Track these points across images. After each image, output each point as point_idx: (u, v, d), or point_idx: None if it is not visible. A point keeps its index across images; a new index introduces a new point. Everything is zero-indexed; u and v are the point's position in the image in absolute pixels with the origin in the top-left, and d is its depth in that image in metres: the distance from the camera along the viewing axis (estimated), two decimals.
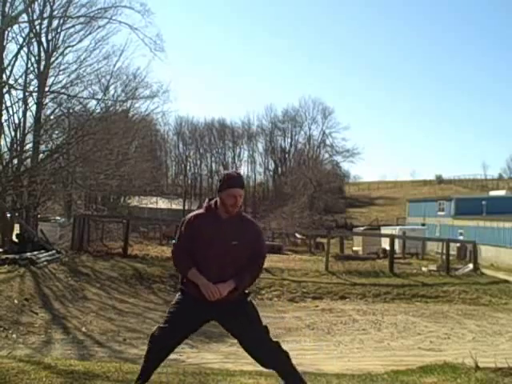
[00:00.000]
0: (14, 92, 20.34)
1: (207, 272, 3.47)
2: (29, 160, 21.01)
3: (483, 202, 38.12)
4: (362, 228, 46.40)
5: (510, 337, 11.99)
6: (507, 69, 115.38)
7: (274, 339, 3.68)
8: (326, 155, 74.73)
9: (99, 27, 21.98)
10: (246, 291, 3.70)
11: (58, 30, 21.35)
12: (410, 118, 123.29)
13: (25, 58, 20.83)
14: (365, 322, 13.16)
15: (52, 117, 22.26)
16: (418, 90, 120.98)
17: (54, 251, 16.84)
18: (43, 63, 20.74)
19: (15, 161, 20.52)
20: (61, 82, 21.66)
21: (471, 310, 15.54)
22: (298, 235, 38.35)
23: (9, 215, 19.74)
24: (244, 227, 3.60)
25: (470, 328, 12.90)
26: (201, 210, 3.69)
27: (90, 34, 22.09)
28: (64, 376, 4.24)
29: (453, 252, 26.03)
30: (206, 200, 3.72)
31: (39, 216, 24.01)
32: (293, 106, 79.13)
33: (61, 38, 21.50)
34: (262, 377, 4.70)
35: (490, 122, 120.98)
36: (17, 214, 19.71)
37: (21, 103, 20.60)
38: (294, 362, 3.70)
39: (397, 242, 26.09)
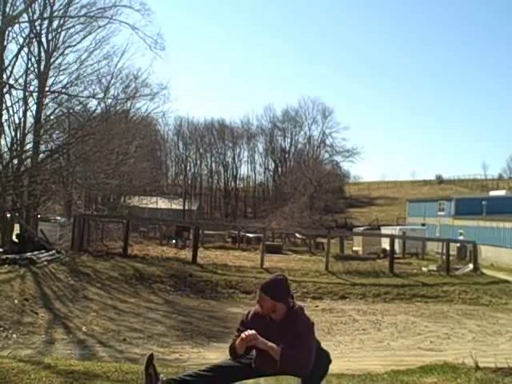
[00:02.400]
0: (14, 92, 20.35)
1: None
2: (29, 160, 21.00)
3: (483, 202, 38.10)
4: (362, 228, 46.40)
5: (510, 337, 11.99)
6: (507, 69, 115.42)
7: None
8: (326, 155, 74.78)
9: (99, 27, 22.00)
10: None
11: (59, 30, 21.34)
12: (410, 118, 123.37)
13: (25, 58, 20.85)
14: (365, 321, 13.16)
15: (52, 117, 22.25)
16: (418, 90, 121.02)
17: (54, 251, 16.84)
18: (43, 63, 20.73)
19: (15, 161, 20.51)
20: (61, 82, 21.69)
21: (471, 309, 15.54)
22: (298, 235, 38.34)
23: (9, 215, 19.74)
24: (289, 325, 3.60)
25: (470, 328, 12.90)
26: (254, 307, 3.83)
27: (90, 34, 22.11)
28: (64, 376, 4.25)
29: (453, 252, 26.02)
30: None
31: (39, 216, 24.00)
32: (292, 106, 79.25)
33: (61, 38, 21.51)
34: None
35: (490, 121, 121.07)
36: (17, 214, 19.71)
37: (21, 103, 20.60)
38: None
39: (397, 242, 26.09)
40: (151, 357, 3.69)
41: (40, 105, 20.82)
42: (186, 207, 63.46)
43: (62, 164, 22.51)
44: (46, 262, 15.11)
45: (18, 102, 20.45)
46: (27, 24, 20.32)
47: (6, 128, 20.39)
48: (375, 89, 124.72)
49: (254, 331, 3.49)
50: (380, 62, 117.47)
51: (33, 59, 20.91)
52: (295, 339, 3.52)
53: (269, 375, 3.75)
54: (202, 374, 3.66)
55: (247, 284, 16.22)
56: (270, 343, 3.49)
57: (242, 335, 3.50)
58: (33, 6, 19.75)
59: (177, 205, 61.69)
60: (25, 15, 19.91)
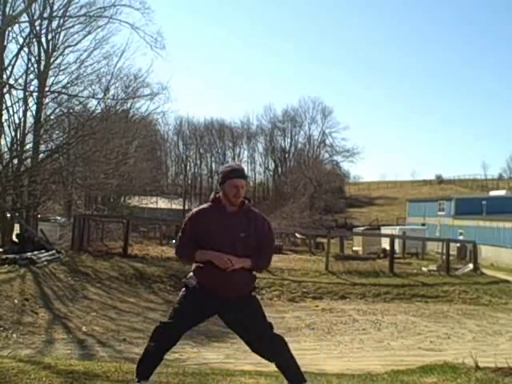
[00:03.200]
0: (14, 92, 20.37)
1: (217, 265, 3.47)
2: (29, 160, 21.01)
3: (483, 202, 38.12)
4: (362, 228, 46.41)
5: (510, 337, 11.99)
6: (507, 69, 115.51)
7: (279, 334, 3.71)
8: (326, 155, 74.85)
9: (99, 27, 22.03)
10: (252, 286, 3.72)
11: (58, 30, 21.37)
12: (410, 118, 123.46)
13: (25, 58, 20.88)
14: (365, 321, 13.16)
15: (52, 117, 22.26)
16: (418, 89, 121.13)
17: (54, 251, 16.84)
18: (43, 63, 20.75)
19: (15, 161, 20.52)
20: (61, 81, 21.72)
21: (471, 309, 15.53)
22: (298, 235, 38.34)
23: (9, 215, 19.75)
24: (251, 219, 3.59)
25: (470, 328, 12.90)
26: (205, 205, 3.68)
27: (89, 33, 22.13)
28: (64, 376, 4.24)
29: (453, 252, 26.04)
30: (212, 194, 3.71)
31: (39, 216, 24.01)
32: (292, 105, 79.32)
33: (61, 38, 21.55)
34: (262, 377, 4.71)
35: (490, 121, 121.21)
36: (17, 214, 19.71)
37: (21, 103, 20.62)
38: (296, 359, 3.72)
39: (397, 241, 26.10)
40: None
41: (40, 105, 20.83)
42: (186, 207, 63.43)
43: (61, 164, 22.51)
44: (45, 262, 15.11)
45: (17, 101, 20.50)
46: (27, 24, 20.36)
47: (6, 128, 20.42)
48: (375, 89, 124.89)
49: (228, 256, 3.38)
50: (380, 61, 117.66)
51: (33, 59, 20.94)
52: (262, 236, 3.57)
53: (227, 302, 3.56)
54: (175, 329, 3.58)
55: None
56: (242, 260, 3.43)
57: (221, 258, 3.37)
58: (32, 6, 19.77)
59: (177, 205, 61.71)
60: (25, 15, 19.95)
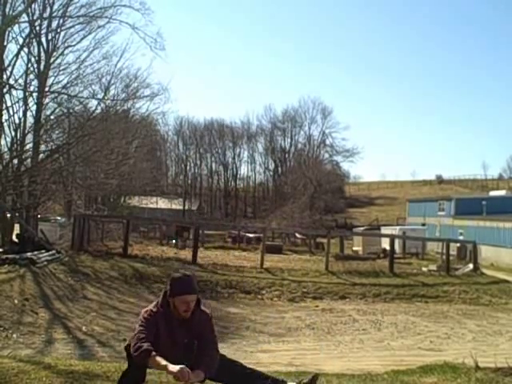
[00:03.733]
0: (14, 92, 20.34)
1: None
2: (29, 160, 21.00)
3: (483, 202, 38.11)
4: (362, 228, 46.40)
5: (510, 337, 11.99)
6: (507, 68, 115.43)
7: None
8: (326, 155, 74.85)
9: (99, 27, 21.98)
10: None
11: (58, 30, 21.34)
12: (410, 118, 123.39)
13: (25, 58, 20.84)
14: (365, 321, 13.16)
15: (52, 117, 22.25)
16: (418, 89, 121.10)
17: (54, 251, 16.85)
18: (43, 63, 20.73)
19: (15, 161, 20.51)
20: (61, 82, 21.67)
21: (471, 309, 15.54)
22: (298, 235, 38.34)
23: (9, 215, 19.74)
24: (195, 323, 3.66)
25: (470, 328, 12.90)
26: (154, 308, 3.68)
27: (89, 34, 22.08)
28: (64, 376, 4.25)
29: (453, 252, 26.02)
30: (161, 296, 3.71)
31: (39, 216, 24.01)
32: (292, 106, 79.28)
33: (61, 38, 21.51)
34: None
35: (490, 121, 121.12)
36: (17, 214, 19.71)
37: (21, 103, 20.59)
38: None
39: (397, 241, 26.10)
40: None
41: (40, 105, 20.82)
42: (186, 207, 63.49)
43: (61, 164, 22.50)
44: (45, 262, 15.11)
45: (17, 102, 20.46)
46: (27, 24, 20.34)
47: (6, 128, 20.40)
48: (375, 89, 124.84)
49: (183, 368, 3.34)
50: (380, 61, 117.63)
51: (32, 59, 20.91)
52: (206, 335, 3.65)
53: None
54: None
55: (247, 284, 16.23)
56: (196, 373, 3.42)
57: (175, 370, 3.31)
58: (32, 6, 19.75)
59: (177, 205, 61.72)
60: (24, 15, 19.91)
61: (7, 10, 18.89)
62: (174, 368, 3.31)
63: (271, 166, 78.61)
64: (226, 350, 9.47)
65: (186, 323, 3.63)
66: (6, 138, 20.71)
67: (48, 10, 20.75)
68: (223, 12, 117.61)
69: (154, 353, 3.39)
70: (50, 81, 21.40)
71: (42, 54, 20.84)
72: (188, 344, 3.60)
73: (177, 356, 3.47)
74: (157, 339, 3.53)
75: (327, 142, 74.66)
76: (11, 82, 19.82)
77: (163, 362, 3.35)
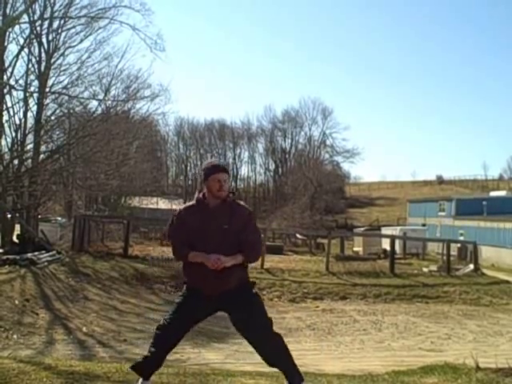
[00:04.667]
0: (14, 93, 20.37)
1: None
2: (29, 160, 21.01)
3: (484, 203, 38.09)
4: (362, 228, 46.37)
5: (511, 337, 11.98)
6: (507, 69, 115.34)
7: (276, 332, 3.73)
8: (327, 156, 74.81)
9: (100, 28, 22.01)
10: (251, 282, 3.74)
11: (59, 31, 21.35)
12: (411, 118, 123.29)
13: (25, 58, 20.85)
14: (365, 322, 13.16)
15: (53, 117, 22.25)
16: (418, 89, 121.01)
17: (54, 252, 16.85)
18: (44, 64, 20.74)
19: (16, 161, 20.53)
20: (61, 82, 21.68)
21: (472, 310, 15.53)
22: (298, 236, 38.33)
23: (9, 216, 19.75)
24: (233, 211, 3.63)
25: (470, 328, 12.89)
26: (190, 202, 3.76)
27: (90, 34, 22.10)
28: (64, 377, 4.24)
29: (453, 252, 26.01)
30: (196, 193, 3.78)
31: (40, 216, 24.01)
32: (293, 106, 79.32)
33: (61, 39, 21.52)
34: (263, 377, 4.71)
35: (490, 122, 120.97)
36: (17, 215, 19.72)
37: (21, 104, 20.61)
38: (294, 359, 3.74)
39: (397, 242, 26.08)
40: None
41: (40, 105, 20.82)
42: None
43: (62, 164, 22.51)
44: (46, 263, 15.11)
45: (18, 102, 20.50)
46: (28, 25, 20.36)
47: (7, 129, 20.43)
48: (375, 89, 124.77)
49: (218, 257, 3.41)
50: (380, 62, 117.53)
51: (33, 60, 20.92)
52: (246, 229, 3.59)
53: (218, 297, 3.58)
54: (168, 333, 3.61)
55: None
56: (233, 257, 3.47)
57: (211, 260, 3.41)
58: (33, 6, 19.76)
59: (177, 205, 61.46)
60: (25, 16, 19.92)
61: (8, 10, 18.92)
62: (207, 260, 3.43)
63: (271, 167, 78.65)
64: (226, 350, 9.50)
65: (222, 209, 3.59)
66: (6, 139, 20.75)
67: (49, 10, 20.78)
68: (223, 13, 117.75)
69: (190, 254, 3.53)
70: (50, 81, 21.44)
71: (43, 54, 20.85)
72: (226, 230, 3.54)
73: (215, 243, 3.49)
74: (193, 233, 3.56)
75: (327, 142, 74.69)
76: (12, 82, 19.85)
77: (199, 258, 3.48)
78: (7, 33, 19.34)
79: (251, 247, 3.61)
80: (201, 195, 3.69)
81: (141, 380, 3.67)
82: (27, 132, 20.99)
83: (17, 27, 20.07)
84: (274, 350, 3.65)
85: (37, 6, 20.29)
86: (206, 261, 3.45)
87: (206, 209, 3.61)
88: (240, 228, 3.58)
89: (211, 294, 3.54)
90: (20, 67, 21.80)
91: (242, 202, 3.79)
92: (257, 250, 3.70)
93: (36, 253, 15.73)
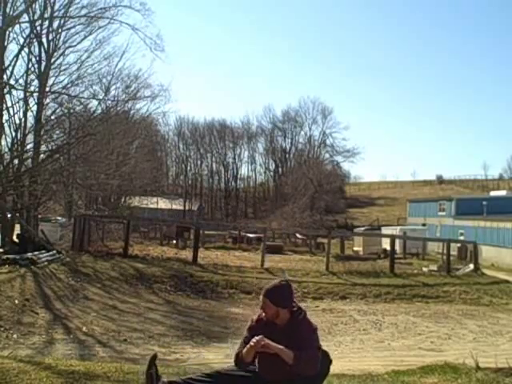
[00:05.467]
0: (14, 92, 20.32)
1: None
2: (29, 160, 21.00)
3: (484, 203, 38.08)
4: (362, 228, 46.38)
5: (511, 337, 11.98)
6: (507, 69, 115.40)
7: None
8: (327, 155, 74.87)
9: (100, 28, 22.00)
10: None
11: (59, 31, 21.34)
12: (411, 118, 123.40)
13: (25, 58, 20.82)
14: (365, 322, 13.15)
15: (53, 117, 22.24)
16: (418, 90, 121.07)
17: (54, 251, 16.85)
18: (44, 63, 20.72)
19: (16, 161, 20.50)
20: (62, 82, 21.69)
21: (472, 310, 15.52)
22: (298, 235, 38.34)
23: (9, 215, 19.73)
24: (294, 330, 3.66)
25: (470, 328, 12.89)
26: (256, 316, 3.84)
27: (90, 34, 22.10)
28: (65, 376, 4.25)
29: (453, 252, 26.02)
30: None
31: (40, 216, 24.00)
32: (293, 106, 79.35)
33: (61, 39, 21.51)
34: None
35: (490, 122, 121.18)
36: (17, 215, 19.70)
37: (22, 103, 20.58)
38: None
39: (397, 242, 26.08)
40: (154, 357, 3.70)
41: (40, 105, 20.81)
42: (187, 207, 63.52)
43: (62, 164, 22.50)
44: (46, 262, 15.11)
45: (18, 102, 20.45)
46: (28, 24, 20.33)
47: (7, 128, 20.40)
48: (375, 89, 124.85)
49: (262, 336, 3.50)
50: (380, 62, 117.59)
51: (33, 59, 20.90)
52: (302, 342, 3.58)
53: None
54: (204, 380, 3.65)
55: (248, 284, 16.22)
56: (281, 346, 3.49)
57: (251, 342, 3.50)
58: (33, 6, 19.75)
59: (177, 205, 61.73)
60: (25, 15, 19.91)
61: (8, 9, 18.89)
62: (251, 345, 3.51)
63: (272, 167, 78.75)
64: (226, 350, 9.48)
65: (284, 330, 3.65)
66: (6, 139, 20.72)
67: (49, 10, 20.75)
68: (223, 12, 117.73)
69: (240, 354, 3.63)
70: (50, 81, 21.43)
71: (43, 54, 20.83)
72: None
73: (273, 361, 3.52)
74: None
75: (327, 142, 74.78)
76: (12, 82, 19.82)
77: (247, 349, 3.55)
78: (7, 32, 19.31)
79: (305, 355, 3.53)
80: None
81: None
82: (27, 132, 20.98)
83: (17, 27, 20.08)
84: None
85: (37, 6, 20.30)
86: (254, 342, 3.51)
87: (271, 326, 3.67)
88: (300, 343, 3.58)
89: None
90: (20, 67, 21.85)
91: (303, 318, 3.73)
92: (309, 359, 3.55)
93: (36, 252, 15.72)
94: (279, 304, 3.66)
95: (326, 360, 3.75)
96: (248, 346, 3.54)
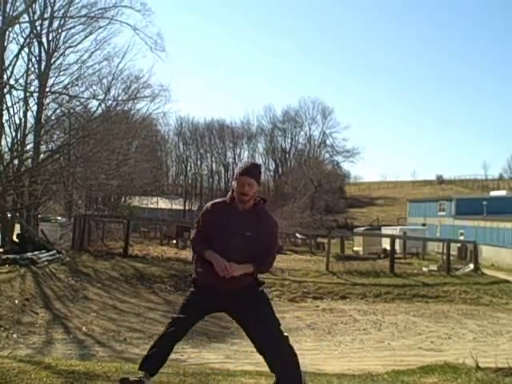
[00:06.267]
0: (14, 92, 20.34)
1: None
2: (29, 160, 21.00)
3: (484, 203, 38.11)
4: (362, 228, 46.41)
5: (511, 337, 11.98)
6: (507, 69, 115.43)
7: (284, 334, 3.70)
8: (327, 155, 74.94)
9: (100, 28, 22.01)
10: (260, 281, 3.74)
11: (59, 31, 21.34)
12: (411, 118, 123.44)
13: (25, 58, 20.83)
14: (365, 321, 13.15)
15: (53, 117, 22.25)
16: (418, 89, 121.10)
17: (54, 251, 16.85)
18: (44, 64, 20.73)
19: (16, 161, 20.51)
20: (62, 82, 21.69)
21: (472, 309, 15.52)
22: (298, 235, 38.35)
23: (9, 215, 19.74)
24: (261, 219, 3.62)
25: (470, 328, 12.89)
26: (220, 199, 3.76)
27: (90, 34, 22.11)
28: (65, 376, 4.25)
29: (453, 252, 26.03)
30: (230, 192, 3.75)
31: (40, 216, 24.02)
32: (293, 106, 79.42)
33: (62, 39, 21.52)
34: (263, 377, 4.70)
35: (490, 121, 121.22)
36: (17, 214, 19.72)
37: (22, 103, 20.59)
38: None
39: (397, 242, 26.07)
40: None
41: (40, 105, 20.81)
42: (187, 207, 63.51)
43: (62, 164, 22.51)
44: (46, 262, 15.11)
45: (18, 102, 20.47)
46: (28, 24, 20.34)
47: (7, 128, 20.42)
48: (375, 89, 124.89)
49: (226, 263, 3.42)
50: (380, 61, 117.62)
51: (33, 59, 20.91)
52: (268, 236, 3.61)
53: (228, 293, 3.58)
54: (170, 334, 3.61)
55: None
56: (243, 266, 3.47)
57: (220, 265, 3.42)
58: (33, 6, 19.75)
59: (177, 205, 61.75)
60: (25, 15, 19.92)
61: (8, 9, 18.90)
62: (217, 265, 3.43)
63: (272, 167, 78.77)
64: (226, 350, 9.49)
65: (250, 215, 3.59)
66: (6, 139, 20.73)
67: (49, 10, 20.76)
68: (223, 12, 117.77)
69: (205, 251, 3.53)
70: (50, 81, 21.44)
71: (43, 54, 20.84)
72: (250, 237, 3.54)
73: (233, 247, 3.49)
74: (216, 231, 3.57)
75: (327, 142, 74.85)
76: (12, 82, 19.83)
77: (212, 259, 3.48)
78: (7, 32, 19.32)
79: (263, 259, 3.60)
80: (232, 195, 3.67)
81: (141, 374, 3.65)
82: (27, 132, 20.99)
83: (17, 27, 20.08)
84: (279, 353, 3.56)
85: (37, 6, 20.31)
86: (217, 265, 3.45)
87: (234, 211, 3.60)
88: (261, 238, 3.57)
89: (223, 289, 3.53)
90: (20, 67, 21.81)
91: (269, 213, 3.77)
92: (268, 263, 3.69)
93: (36, 252, 15.72)
94: (259, 182, 3.63)
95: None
96: (216, 261, 3.44)
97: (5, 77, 19.38)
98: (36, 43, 20.92)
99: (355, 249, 32.95)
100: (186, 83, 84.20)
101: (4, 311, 10.44)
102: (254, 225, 3.55)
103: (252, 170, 3.62)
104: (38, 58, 20.79)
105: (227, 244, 3.51)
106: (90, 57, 21.96)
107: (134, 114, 31.12)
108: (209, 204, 3.75)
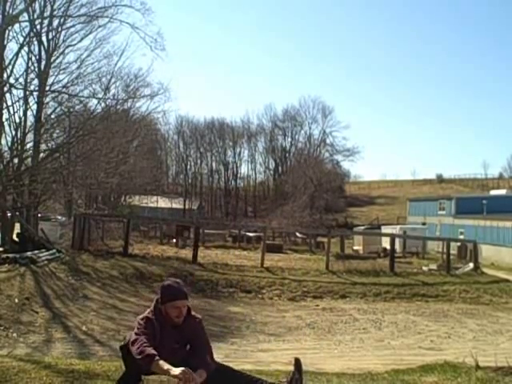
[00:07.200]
0: (14, 91, 20.30)
1: None
2: (29, 159, 20.99)
3: (484, 202, 38.11)
4: (362, 227, 46.40)
5: (511, 336, 11.98)
6: (507, 69, 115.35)
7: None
8: (327, 154, 74.90)
9: (100, 27, 21.94)
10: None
11: (59, 30, 21.31)
12: (411, 117, 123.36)
13: (25, 57, 20.79)
14: (365, 321, 13.15)
15: (53, 116, 22.22)
16: (418, 89, 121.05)
17: (54, 250, 16.84)
18: (44, 62, 20.70)
19: (16, 160, 20.50)
20: (61, 81, 21.65)
21: (472, 309, 15.52)
22: (298, 234, 38.36)
23: (9, 214, 19.73)
24: (184, 328, 3.65)
25: (470, 327, 12.89)
26: (149, 314, 3.66)
27: (90, 33, 22.05)
28: (64, 375, 4.25)
29: (453, 251, 26.02)
30: (154, 302, 3.70)
31: (40, 215, 24.00)
32: (293, 105, 79.30)
33: (61, 38, 21.47)
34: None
35: (490, 121, 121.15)
36: (17, 213, 19.70)
37: (21, 102, 20.56)
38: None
39: (397, 241, 26.08)
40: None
41: (40, 104, 20.79)
42: (187, 206, 63.52)
43: (62, 163, 22.49)
44: (46, 261, 15.11)
45: (18, 101, 20.43)
46: (27, 23, 20.30)
47: (7, 127, 20.39)
48: (375, 88, 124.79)
49: (188, 370, 3.30)
50: (380, 61, 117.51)
51: (33, 58, 20.88)
52: (199, 339, 3.70)
53: None
54: None
55: (247, 283, 16.22)
56: (199, 373, 3.42)
57: (179, 373, 3.25)
58: (33, 5, 19.72)
59: (177, 204, 61.76)
60: (25, 14, 19.88)
61: (8, 8, 18.87)
62: (177, 371, 3.27)
63: (271, 166, 78.77)
64: (225, 349, 9.48)
65: (177, 329, 3.63)
66: (6, 137, 20.70)
67: (49, 8, 20.71)
68: (223, 12, 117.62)
69: (157, 357, 3.35)
70: (50, 80, 21.39)
71: (43, 53, 20.81)
72: (177, 349, 3.60)
73: (168, 358, 3.41)
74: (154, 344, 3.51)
75: (327, 141, 74.83)
76: (12, 81, 19.79)
77: (166, 366, 3.31)
78: (7, 31, 19.29)
79: (207, 362, 3.60)
80: (158, 311, 3.62)
81: None
82: (27, 130, 20.97)
83: (17, 25, 20.04)
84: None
85: (37, 5, 20.26)
86: (176, 374, 3.27)
87: (162, 327, 3.59)
88: (190, 337, 3.66)
89: None
90: (20, 65, 21.80)
91: (192, 313, 3.76)
92: (210, 363, 3.66)
93: (36, 251, 15.72)
94: (188, 299, 3.71)
95: None
96: (172, 372, 3.27)
97: (5, 76, 19.35)
98: (36, 42, 20.89)
99: (355, 248, 32.94)
100: (186, 82, 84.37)
101: (4, 310, 10.44)
102: (181, 335, 3.63)
103: (183, 292, 3.68)
104: (37, 57, 20.76)
105: (161, 355, 3.43)
106: (89, 55, 21.94)
107: (134, 112, 31.14)
108: (141, 317, 3.67)
